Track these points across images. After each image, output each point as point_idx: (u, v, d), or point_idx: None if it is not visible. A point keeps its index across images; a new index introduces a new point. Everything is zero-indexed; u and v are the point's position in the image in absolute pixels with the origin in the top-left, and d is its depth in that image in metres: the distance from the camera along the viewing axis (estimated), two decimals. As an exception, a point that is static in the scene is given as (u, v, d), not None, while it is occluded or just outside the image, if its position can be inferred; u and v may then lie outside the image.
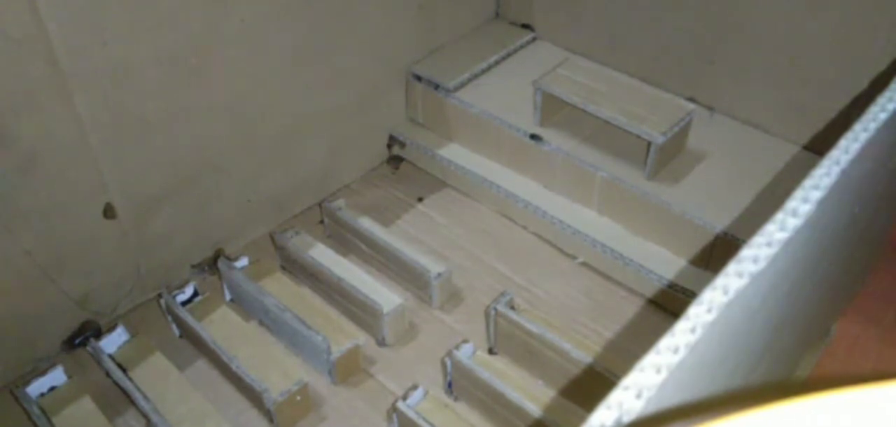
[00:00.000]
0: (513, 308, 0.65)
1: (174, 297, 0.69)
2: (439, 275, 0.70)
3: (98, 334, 0.66)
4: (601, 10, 0.86)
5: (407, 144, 0.88)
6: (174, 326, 0.69)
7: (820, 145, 0.76)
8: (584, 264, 0.75)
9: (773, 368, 0.43)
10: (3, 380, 0.64)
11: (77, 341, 0.67)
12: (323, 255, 0.73)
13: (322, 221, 0.80)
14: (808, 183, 0.32)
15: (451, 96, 0.84)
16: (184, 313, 0.67)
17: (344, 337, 0.65)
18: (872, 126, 0.35)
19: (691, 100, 0.79)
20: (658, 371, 0.24)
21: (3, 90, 0.55)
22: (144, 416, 0.60)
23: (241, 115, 0.72)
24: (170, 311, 0.68)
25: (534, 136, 0.79)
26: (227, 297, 0.73)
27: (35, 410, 0.60)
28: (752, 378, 0.38)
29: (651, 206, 0.72)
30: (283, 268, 0.76)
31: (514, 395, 0.58)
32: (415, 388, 0.60)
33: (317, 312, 0.68)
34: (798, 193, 0.31)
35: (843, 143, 0.34)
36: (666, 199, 0.71)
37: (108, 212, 0.65)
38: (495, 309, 0.65)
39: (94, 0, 0.57)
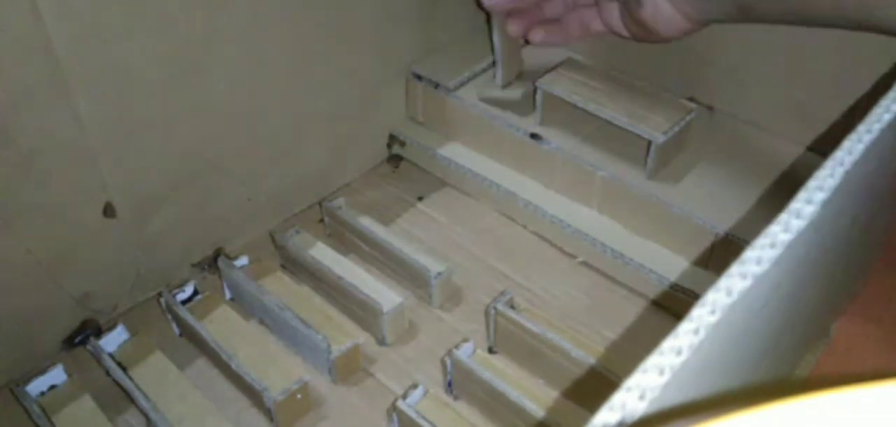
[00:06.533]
0: (513, 307, 0.65)
1: (174, 295, 0.69)
2: (439, 274, 0.70)
3: (98, 333, 0.66)
4: (602, 10, 0.86)
5: (407, 143, 0.88)
6: (174, 325, 0.69)
7: (822, 146, 0.76)
8: (584, 263, 0.75)
9: (774, 369, 0.43)
10: (3, 378, 0.64)
11: (77, 340, 0.67)
12: (323, 254, 0.73)
13: (322, 220, 0.80)
14: (812, 184, 0.32)
15: (451, 95, 0.84)
16: (184, 312, 0.67)
17: (344, 336, 0.65)
18: (876, 127, 0.35)
19: (691, 100, 0.79)
20: (661, 372, 0.24)
21: (2, 89, 0.55)
22: (144, 414, 0.60)
23: (242, 113, 0.72)
24: (170, 309, 0.68)
25: (534, 135, 0.79)
26: (228, 295, 0.73)
27: (35, 409, 0.60)
28: (753, 379, 0.38)
29: (651, 206, 0.72)
30: (283, 267, 0.76)
31: (514, 394, 0.58)
32: (415, 387, 0.60)
33: (317, 311, 0.68)
34: (802, 195, 0.31)
35: (847, 144, 0.34)
36: (666, 198, 0.71)
37: (108, 211, 0.65)
38: (495, 308, 0.65)
39: (95, -2, 0.57)
